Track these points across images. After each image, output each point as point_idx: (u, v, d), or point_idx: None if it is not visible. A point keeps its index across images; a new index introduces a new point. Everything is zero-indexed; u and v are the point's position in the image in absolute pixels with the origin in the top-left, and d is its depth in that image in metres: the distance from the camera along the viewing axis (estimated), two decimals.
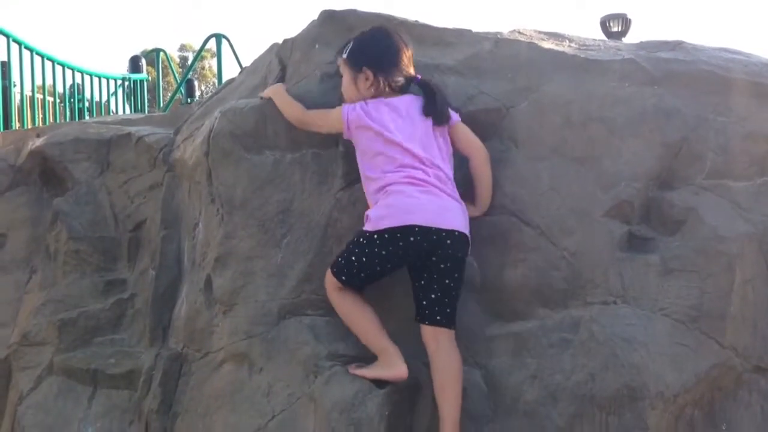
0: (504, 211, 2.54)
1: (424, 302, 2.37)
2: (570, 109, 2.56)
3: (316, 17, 2.95)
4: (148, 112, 8.39)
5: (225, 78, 7.60)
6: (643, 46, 2.79)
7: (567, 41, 2.88)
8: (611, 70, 2.61)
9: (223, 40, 7.42)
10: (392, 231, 2.34)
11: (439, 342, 2.35)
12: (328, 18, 2.91)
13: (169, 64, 8.74)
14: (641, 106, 2.49)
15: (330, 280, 2.46)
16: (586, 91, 2.58)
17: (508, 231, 2.52)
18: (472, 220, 2.47)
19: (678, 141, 2.46)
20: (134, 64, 7.32)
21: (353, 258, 2.40)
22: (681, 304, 2.32)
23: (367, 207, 2.51)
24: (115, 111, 7.08)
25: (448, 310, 2.36)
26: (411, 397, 2.44)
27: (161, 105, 8.33)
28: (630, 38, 14.07)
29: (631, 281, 2.36)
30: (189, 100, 8.11)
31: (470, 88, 2.68)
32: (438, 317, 2.35)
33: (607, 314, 2.35)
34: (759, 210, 2.42)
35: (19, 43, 5.34)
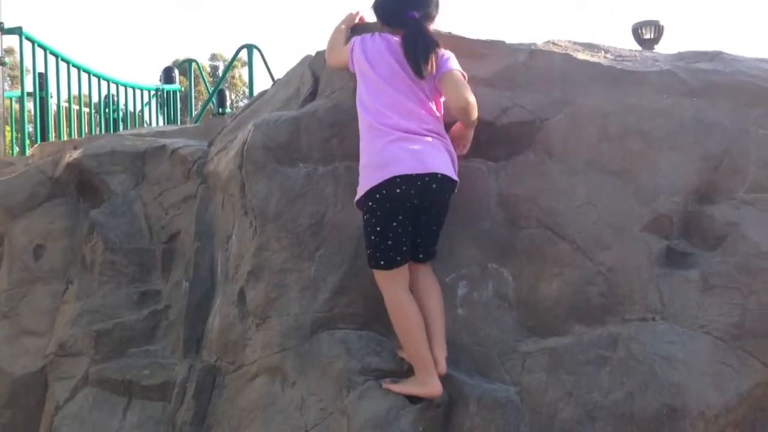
0: (539, 224, 2.52)
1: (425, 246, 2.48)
2: (606, 122, 2.52)
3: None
4: (180, 121, 8.48)
5: (256, 88, 7.66)
6: (680, 56, 2.74)
7: (602, 52, 2.84)
8: (648, 81, 2.56)
9: (255, 51, 7.49)
10: (380, 188, 2.36)
11: (419, 270, 2.47)
12: (361, 30, 2.90)
13: (201, 75, 8.84)
14: (680, 119, 2.45)
15: (376, 276, 2.44)
16: (622, 103, 2.54)
17: (544, 245, 2.49)
18: (507, 233, 2.46)
19: (718, 154, 2.41)
20: (167, 75, 7.42)
21: (372, 239, 2.40)
22: (722, 321, 2.27)
23: None
24: (148, 121, 7.17)
25: (431, 249, 2.50)
26: (445, 413, 2.42)
27: (192, 115, 8.41)
28: (662, 45, 13.88)
29: (671, 297, 2.31)
30: (221, 110, 8.18)
31: (504, 100, 2.66)
32: (421, 256, 2.48)
33: (645, 331, 2.31)
34: None
35: (56, 55, 5.43)
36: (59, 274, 3.38)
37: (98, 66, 6.05)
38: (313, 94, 2.99)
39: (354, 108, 2.74)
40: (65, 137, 5.61)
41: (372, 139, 2.43)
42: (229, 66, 9.04)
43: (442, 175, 2.36)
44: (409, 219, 2.41)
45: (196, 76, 9.07)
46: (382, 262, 2.40)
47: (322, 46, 3.09)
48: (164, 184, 3.33)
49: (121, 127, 6.64)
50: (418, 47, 2.43)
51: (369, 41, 2.57)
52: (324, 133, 2.75)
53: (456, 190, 2.45)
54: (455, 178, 2.42)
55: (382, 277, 2.43)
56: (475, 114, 2.42)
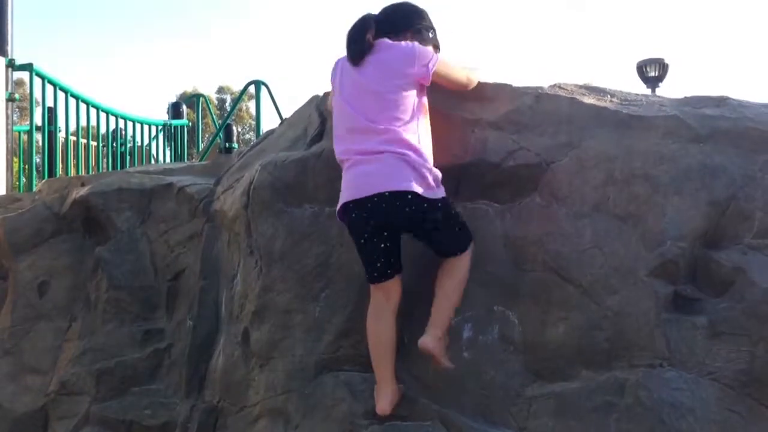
0: (545, 267, 2.51)
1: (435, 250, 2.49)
2: (612, 166, 2.52)
3: None
4: (188, 155, 8.53)
5: (263, 124, 7.72)
6: (686, 101, 2.75)
7: (609, 96, 2.86)
8: (655, 126, 2.57)
9: (263, 87, 7.56)
10: (342, 215, 2.47)
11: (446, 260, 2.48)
12: None
13: (209, 111, 8.91)
14: (686, 164, 2.45)
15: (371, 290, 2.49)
16: (629, 147, 2.54)
17: (550, 288, 2.48)
18: (513, 276, 2.46)
19: (725, 199, 2.40)
20: (175, 110, 7.49)
21: (360, 252, 2.47)
22: (730, 368, 2.24)
23: (404, 260, 2.52)
24: (155, 155, 7.21)
25: (449, 250, 2.47)
26: None
27: (200, 149, 8.47)
28: (667, 83, 13.98)
29: (678, 344, 2.29)
30: (228, 145, 8.23)
31: (510, 143, 2.67)
32: (445, 254, 2.48)
33: (653, 378, 2.28)
34: None
35: (65, 91, 5.50)
36: (63, 312, 3.38)
37: (107, 100, 6.11)
38: (320, 135, 3.02)
39: None
40: (73, 171, 5.65)
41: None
42: (236, 102, 9.14)
43: (390, 192, 2.34)
44: (378, 237, 2.41)
45: (203, 110, 9.14)
46: (366, 276, 2.48)
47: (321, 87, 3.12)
48: (170, 222, 3.34)
49: (128, 162, 6.68)
50: (352, 32, 2.49)
51: (341, 63, 2.56)
52: (330, 173, 2.76)
53: (429, 198, 2.37)
54: (411, 189, 2.33)
55: (371, 295, 2.49)
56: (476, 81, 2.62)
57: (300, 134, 3.13)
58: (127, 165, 6.43)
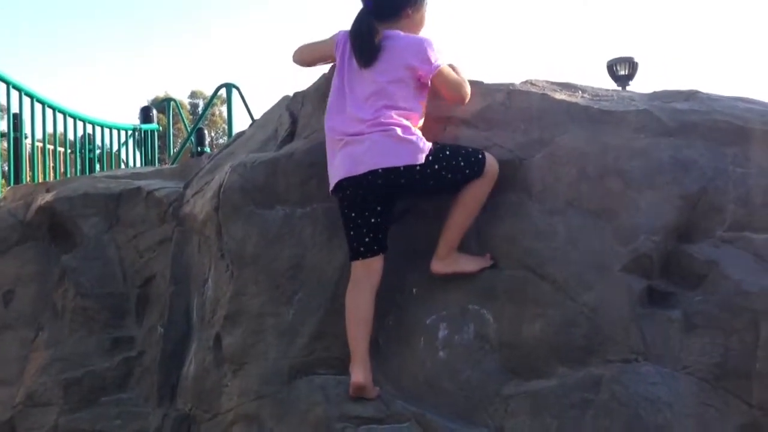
0: (520, 265, 2.49)
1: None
2: (585, 162, 2.52)
3: (328, 69, 2.95)
4: (159, 160, 8.42)
5: (236, 127, 7.64)
6: (656, 96, 2.76)
7: (580, 92, 2.86)
8: (626, 121, 2.57)
9: (234, 90, 7.48)
10: (335, 191, 2.48)
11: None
12: None
13: (180, 114, 8.81)
14: (658, 158, 2.45)
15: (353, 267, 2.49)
16: (601, 142, 2.54)
17: (525, 285, 2.46)
18: (488, 274, 2.44)
19: (696, 193, 2.41)
20: (145, 115, 7.38)
21: (347, 233, 2.49)
22: (705, 362, 2.24)
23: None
24: (125, 160, 7.10)
25: (462, 182, 2.46)
26: None
27: (171, 153, 8.37)
28: (637, 81, 14.13)
29: (653, 338, 2.29)
30: (199, 149, 8.14)
31: (483, 140, 2.65)
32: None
33: (628, 373, 2.27)
34: None
35: (31, 96, 5.39)
36: (29, 321, 3.28)
37: (77, 105, 6.00)
38: (291, 135, 2.98)
39: None
40: (40, 178, 5.54)
41: (328, 145, 2.54)
42: (208, 106, 9.05)
43: (383, 169, 2.38)
44: (371, 211, 2.43)
45: (174, 115, 9.04)
46: (350, 253, 2.48)
47: (302, 87, 3.09)
48: (139, 227, 3.26)
49: (97, 167, 6.57)
50: (358, 36, 2.51)
51: (344, 39, 2.59)
52: (302, 174, 2.72)
53: (420, 163, 2.38)
54: (401, 163, 2.37)
55: (353, 270, 2.48)
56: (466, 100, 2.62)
57: (270, 135, 3.08)
58: (97, 171, 6.32)
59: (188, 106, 36.12)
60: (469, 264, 2.51)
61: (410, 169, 2.40)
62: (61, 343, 3.15)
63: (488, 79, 2.85)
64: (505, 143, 2.63)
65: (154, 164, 7.29)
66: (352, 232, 2.47)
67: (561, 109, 2.67)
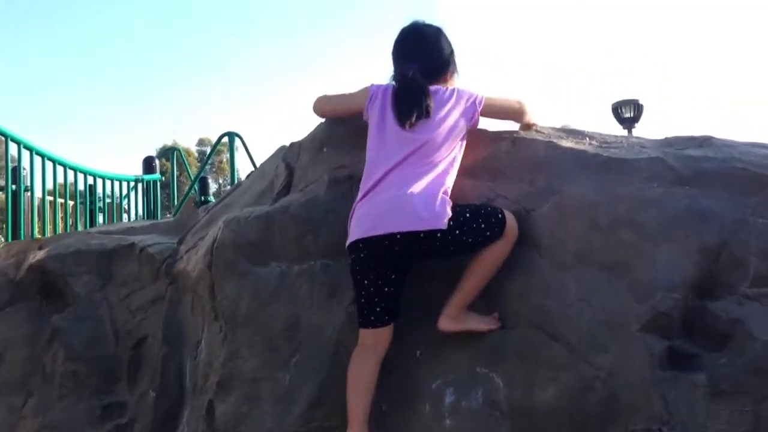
0: (530, 324, 2.34)
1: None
2: (596, 213, 2.38)
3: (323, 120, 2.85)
4: (163, 209, 8.35)
5: (241, 175, 7.56)
6: (668, 142, 2.63)
7: (587, 138, 2.74)
8: (637, 169, 2.44)
9: (236, 139, 7.43)
10: (349, 251, 2.37)
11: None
12: (337, 120, 2.80)
13: (184, 163, 8.77)
14: (673, 209, 2.31)
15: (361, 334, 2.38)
16: (611, 192, 2.41)
17: (536, 346, 2.31)
18: (496, 334, 2.31)
19: (717, 246, 2.26)
20: (148, 165, 7.32)
21: (359, 293, 2.36)
22: (734, 430, 2.06)
23: None
24: (127, 210, 7.02)
25: (483, 245, 2.33)
26: None
27: (175, 202, 8.31)
28: (642, 124, 14.06)
29: (677, 405, 2.11)
30: (203, 198, 8.06)
31: (486, 190, 2.53)
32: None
33: None
34: None
35: (30, 149, 5.33)
36: (18, 386, 3.13)
37: (89, 156, 5.94)
38: (287, 187, 2.87)
39: (330, 202, 2.61)
40: (46, 230, 5.45)
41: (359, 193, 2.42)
42: (210, 155, 9.00)
43: (402, 234, 2.25)
44: (383, 278, 2.31)
45: (180, 164, 9.00)
46: (359, 320, 2.36)
47: (299, 136, 2.99)
48: (132, 285, 3.13)
49: (100, 219, 6.49)
50: (409, 98, 2.42)
51: (385, 90, 2.50)
52: (298, 229, 2.60)
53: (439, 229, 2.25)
54: (421, 228, 2.24)
55: (359, 341, 2.37)
56: (529, 113, 2.58)
57: (267, 187, 2.97)
58: (98, 222, 6.23)
59: (196, 154, 36.38)
60: (479, 323, 2.38)
61: (431, 235, 2.26)
62: (51, 410, 3.00)
63: (491, 127, 2.74)
64: (511, 194, 2.50)
65: (157, 215, 7.20)
66: (363, 300, 2.34)
67: (568, 157, 2.55)
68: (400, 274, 2.35)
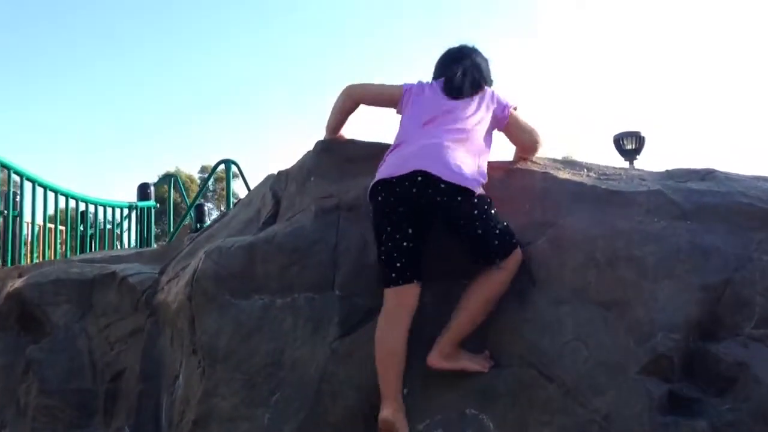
0: (523, 362, 2.22)
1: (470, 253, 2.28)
2: (594, 247, 2.27)
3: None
4: (156, 237, 8.24)
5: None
6: (669, 175, 2.54)
7: (585, 170, 2.64)
8: (636, 202, 2.34)
9: (233, 166, 7.37)
10: (370, 198, 2.35)
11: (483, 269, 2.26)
12: (325, 149, 2.71)
13: (181, 190, 8.69)
14: (674, 244, 2.20)
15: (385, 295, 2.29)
16: (610, 226, 2.30)
17: (530, 387, 2.19)
18: (488, 372, 2.21)
19: (720, 284, 2.14)
20: (143, 192, 7.23)
21: (379, 249, 2.30)
22: None
23: (365, 357, 2.25)
24: (119, 236, 6.92)
25: (486, 252, 2.25)
26: None
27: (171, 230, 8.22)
28: (644, 156, 13.99)
29: None
30: (198, 226, 7.97)
31: None
32: (481, 258, 2.26)
33: None
34: None
35: (21, 175, 5.25)
36: None
37: (93, 183, 5.86)
38: (273, 217, 2.77)
39: (316, 232, 2.51)
40: (27, 260, 5.34)
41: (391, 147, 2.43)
42: (206, 182, 8.95)
43: (425, 175, 2.22)
44: (401, 231, 2.25)
45: (176, 190, 8.92)
46: (383, 280, 2.29)
47: (286, 165, 2.89)
48: (111, 315, 3.02)
49: (90, 245, 6.38)
50: (452, 79, 2.49)
51: (423, 83, 2.55)
52: (282, 260, 2.49)
53: (467, 193, 2.24)
54: (446, 177, 2.21)
55: (386, 297, 2.29)
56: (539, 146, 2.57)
57: (253, 216, 2.87)
58: (88, 249, 6.13)
59: (198, 181, 36.38)
60: (470, 363, 2.26)
61: (452, 190, 2.22)
62: None
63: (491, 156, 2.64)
64: None
65: (151, 242, 7.10)
66: (383, 257, 2.29)
67: (565, 188, 2.45)
68: (417, 231, 2.27)
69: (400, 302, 2.27)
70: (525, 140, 2.56)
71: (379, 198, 2.29)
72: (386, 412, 2.18)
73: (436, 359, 2.25)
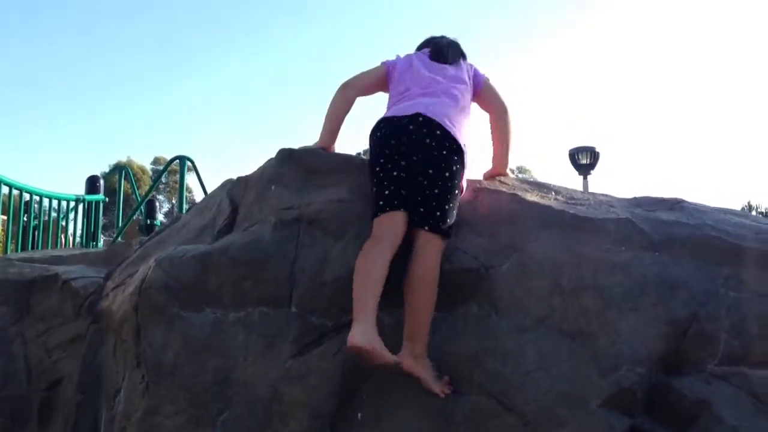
0: (483, 391, 2.15)
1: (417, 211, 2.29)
2: (559, 274, 2.22)
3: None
4: (109, 229, 7.96)
5: (195, 198, 7.24)
6: (637, 202, 2.50)
7: (553, 193, 2.59)
8: (605, 230, 2.30)
9: (188, 163, 7.15)
10: (371, 136, 2.43)
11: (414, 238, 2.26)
12: (287, 158, 2.60)
13: (132, 182, 8.42)
14: (642, 276, 2.16)
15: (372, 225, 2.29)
16: (576, 253, 2.25)
17: (488, 417, 2.12)
18: (446, 398, 2.12)
19: (685, 318, 2.11)
20: (91, 185, 6.95)
21: (372, 182, 2.35)
22: None
23: (320, 379, 2.16)
24: (65, 231, 6.64)
25: (422, 210, 2.27)
26: None
27: (119, 225, 7.95)
28: (598, 170, 14.19)
29: None
30: (149, 221, 7.71)
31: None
32: (415, 219, 2.27)
33: None
34: None
35: None
36: None
37: (37, 172, 5.56)
38: (230, 225, 2.64)
39: (275, 245, 2.40)
40: None
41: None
42: (158, 178, 8.68)
43: (425, 117, 2.35)
44: (393, 162, 2.33)
45: (127, 182, 8.64)
46: (373, 212, 2.31)
47: (246, 171, 2.78)
48: (51, 320, 2.85)
49: (33, 237, 6.10)
50: (440, 45, 2.68)
51: (406, 56, 2.68)
52: (237, 272, 2.37)
53: (455, 147, 2.33)
54: (445, 126, 2.33)
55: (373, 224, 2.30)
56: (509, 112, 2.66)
57: (208, 223, 2.74)
58: (30, 243, 5.85)
59: (150, 173, 35.64)
60: (432, 382, 2.17)
61: (446, 138, 2.33)
62: None
63: None
64: (470, 249, 2.33)
65: (98, 237, 6.83)
66: (375, 189, 2.34)
67: (533, 212, 2.40)
68: (408, 165, 2.31)
69: (386, 228, 2.26)
70: (498, 105, 2.66)
71: (378, 134, 2.39)
72: (354, 337, 2.03)
73: (408, 361, 2.16)
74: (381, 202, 2.30)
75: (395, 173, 2.31)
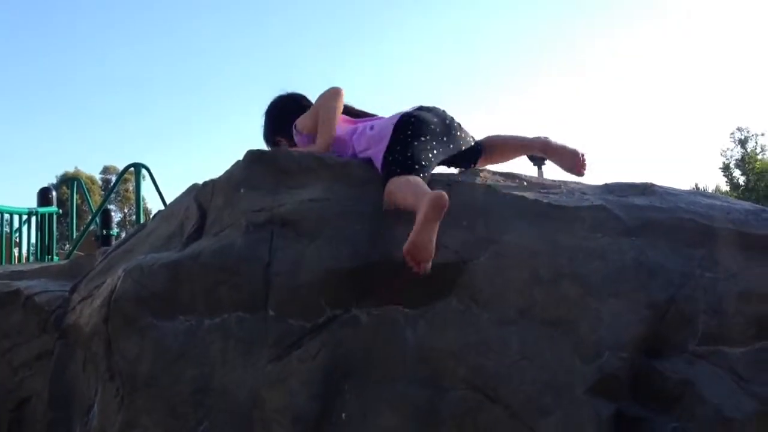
0: (467, 385, 2.13)
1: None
2: (537, 263, 2.22)
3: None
4: (63, 240, 7.75)
5: (153, 208, 7.11)
6: (609, 189, 2.52)
7: (524, 182, 2.60)
8: (579, 218, 2.31)
9: (143, 171, 7.00)
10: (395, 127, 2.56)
11: None
12: (256, 159, 2.55)
13: (85, 194, 8.21)
14: (619, 261, 2.18)
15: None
16: (553, 241, 2.26)
17: (473, 410, 2.10)
18: (430, 396, 2.08)
19: (665, 301, 2.12)
20: (43, 197, 6.74)
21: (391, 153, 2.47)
22: None
23: (301, 383, 2.12)
24: (17, 243, 6.45)
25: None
26: None
27: (73, 237, 7.75)
28: (551, 163, 14.37)
29: None
30: (105, 232, 7.54)
31: None
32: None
33: None
34: (761, 380, 2.07)
35: None
36: None
37: None
38: (198, 231, 2.58)
39: (247, 249, 2.35)
40: None
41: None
42: (113, 187, 8.49)
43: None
44: (424, 139, 2.53)
45: (80, 194, 8.43)
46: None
47: (214, 174, 2.72)
48: (15, 337, 2.74)
49: None
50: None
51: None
52: (210, 279, 2.32)
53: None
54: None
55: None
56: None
57: (175, 230, 2.67)
58: None
59: (100, 182, 34.93)
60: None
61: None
62: None
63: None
64: (447, 242, 2.31)
65: (53, 251, 6.64)
66: (391, 156, 2.44)
67: (508, 203, 2.40)
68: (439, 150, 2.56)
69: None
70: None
71: (411, 118, 2.53)
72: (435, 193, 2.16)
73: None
74: (399, 170, 2.39)
75: (429, 151, 2.51)
